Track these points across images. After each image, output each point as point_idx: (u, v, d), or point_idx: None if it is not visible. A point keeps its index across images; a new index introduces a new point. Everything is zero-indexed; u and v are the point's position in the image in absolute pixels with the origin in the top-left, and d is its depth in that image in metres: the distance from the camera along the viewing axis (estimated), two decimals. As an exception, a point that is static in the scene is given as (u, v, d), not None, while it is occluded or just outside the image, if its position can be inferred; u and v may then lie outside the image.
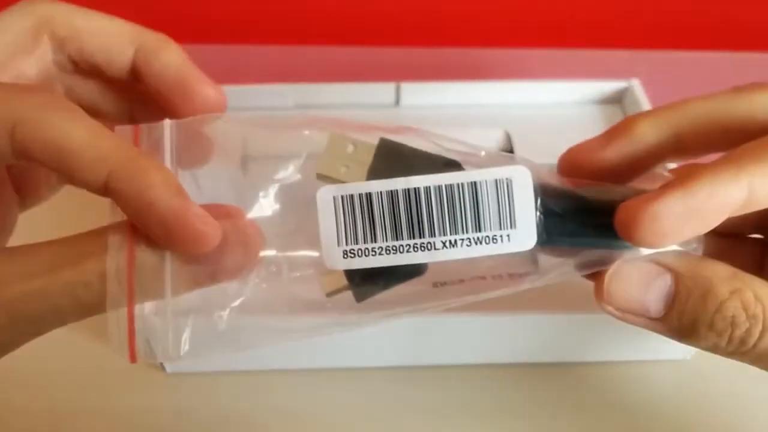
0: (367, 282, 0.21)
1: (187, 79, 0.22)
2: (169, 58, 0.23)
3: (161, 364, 0.35)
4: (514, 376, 0.35)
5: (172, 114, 0.22)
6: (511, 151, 0.41)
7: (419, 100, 0.44)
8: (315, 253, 0.21)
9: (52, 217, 0.30)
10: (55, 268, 0.18)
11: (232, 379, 0.35)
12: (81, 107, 0.19)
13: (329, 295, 0.21)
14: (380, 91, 0.44)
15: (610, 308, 0.20)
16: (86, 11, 0.23)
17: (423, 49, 0.56)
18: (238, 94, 0.42)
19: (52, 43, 0.23)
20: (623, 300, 0.20)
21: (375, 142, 0.21)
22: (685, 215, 0.18)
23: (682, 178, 0.19)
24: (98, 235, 0.19)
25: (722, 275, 0.20)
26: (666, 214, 0.18)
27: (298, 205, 0.21)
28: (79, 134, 0.18)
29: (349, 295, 0.21)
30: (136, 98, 0.25)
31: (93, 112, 0.24)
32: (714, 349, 0.20)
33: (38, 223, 0.26)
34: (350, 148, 0.21)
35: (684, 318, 0.20)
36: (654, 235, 0.18)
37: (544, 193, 0.20)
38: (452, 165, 0.21)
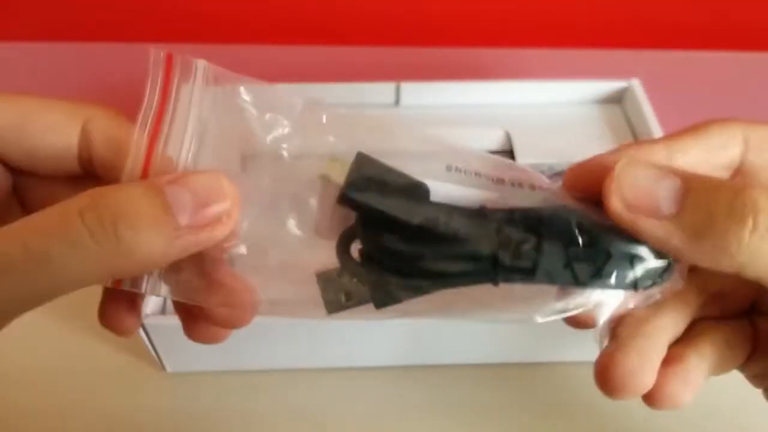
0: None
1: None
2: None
3: (161, 363, 0.35)
4: (514, 375, 0.36)
5: None
6: (511, 150, 0.41)
7: (419, 100, 0.44)
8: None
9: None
10: None
11: (233, 378, 0.35)
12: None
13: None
14: (380, 91, 0.44)
15: (617, 204, 0.19)
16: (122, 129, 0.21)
17: (423, 49, 0.56)
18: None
19: (78, 144, 0.21)
20: (635, 189, 0.18)
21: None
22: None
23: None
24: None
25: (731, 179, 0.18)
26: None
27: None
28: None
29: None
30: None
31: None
32: (733, 247, 0.18)
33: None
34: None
35: (699, 211, 0.18)
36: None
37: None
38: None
